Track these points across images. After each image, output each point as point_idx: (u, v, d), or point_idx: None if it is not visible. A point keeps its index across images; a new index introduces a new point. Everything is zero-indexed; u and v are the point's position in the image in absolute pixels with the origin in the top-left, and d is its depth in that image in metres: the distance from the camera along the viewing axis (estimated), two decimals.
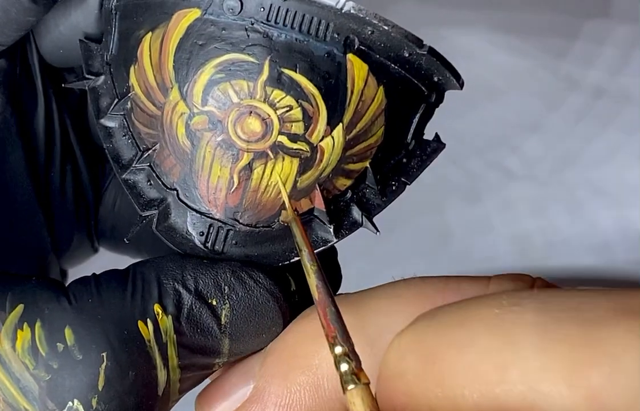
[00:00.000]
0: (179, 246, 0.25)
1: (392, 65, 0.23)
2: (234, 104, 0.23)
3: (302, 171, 0.23)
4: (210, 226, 0.25)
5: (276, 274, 0.25)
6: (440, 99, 0.25)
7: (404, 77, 0.23)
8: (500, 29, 0.43)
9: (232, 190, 0.24)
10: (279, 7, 0.22)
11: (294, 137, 0.23)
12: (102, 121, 0.25)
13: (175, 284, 0.24)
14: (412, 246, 0.43)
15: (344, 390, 0.18)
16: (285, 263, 0.25)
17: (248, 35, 0.22)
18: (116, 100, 0.25)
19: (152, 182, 0.25)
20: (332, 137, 0.23)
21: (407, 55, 0.23)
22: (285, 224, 0.24)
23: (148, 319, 0.23)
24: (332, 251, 0.27)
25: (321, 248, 0.25)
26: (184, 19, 0.23)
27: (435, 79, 0.24)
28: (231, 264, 0.24)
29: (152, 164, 0.25)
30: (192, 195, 0.24)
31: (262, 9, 0.22)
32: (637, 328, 0.15)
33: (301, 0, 0.22)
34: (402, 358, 0.18)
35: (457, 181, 0.44)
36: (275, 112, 0.22)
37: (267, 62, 0.22)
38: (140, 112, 0.24)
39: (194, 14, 0.23)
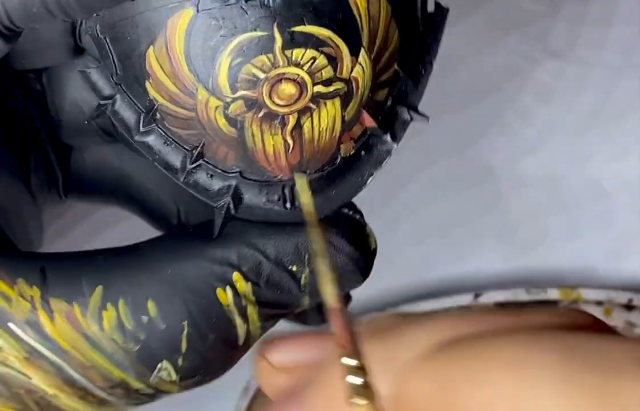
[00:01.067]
0: (265, 219, 0.25)
1: None
2: (263, 80, 0.23)
3: (345, 105, 0.24)
4: (283, 188, 0.25)
5: (357, 236, 0.26)
6: None
7: None
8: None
9: (290, 151, 0.24)
10: None
11: (327, 82, 0.23)
12: (138, 138, 0.25)
13: (256, 253, 0.25)
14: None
15: (350, 402, 0.18)
16: (363, 187, 0.26)
17: (247, 13, 0.22)
18: (142, 115, 0.25)
19: (212, 174, 0.25)
20: (360, 64, 0.24)
21: None
22: (348, 155, 0.25)
23: (227, 286, 0.24)
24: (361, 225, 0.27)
25: (386, 160, 0.26)
26: (179, 23, 0.23)
27: None
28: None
29: (205, 160, 0.25)
30: (255, 170, 0.25)
31: None
32: None
33: None
34: (418, 383, 0.18)
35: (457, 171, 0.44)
36: (303, 69, 0.23)
37: (275, 29, 0.22)
38: (173, 119, 0.25)
39: (187, 14, 0.23)
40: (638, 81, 0.43)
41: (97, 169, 0.31)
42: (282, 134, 0.24)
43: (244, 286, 0.25)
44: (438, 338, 0.18)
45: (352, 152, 0.25)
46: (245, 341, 0.25)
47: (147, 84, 0.24)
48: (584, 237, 0.44)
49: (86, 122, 0.27)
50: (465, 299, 0.42)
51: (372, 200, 0.26)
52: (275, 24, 0.22)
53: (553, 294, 0.42)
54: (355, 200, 0.26)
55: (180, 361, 0.25)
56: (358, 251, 0.26)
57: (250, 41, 0.23)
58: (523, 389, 0.16)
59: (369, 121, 0.25)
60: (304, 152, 0.24)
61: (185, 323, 0.24)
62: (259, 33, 0.23)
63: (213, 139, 0.24)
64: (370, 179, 0.26)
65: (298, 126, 0.24)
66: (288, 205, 0.25)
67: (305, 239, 0.25)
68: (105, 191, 0.31)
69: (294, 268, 0.25)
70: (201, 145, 0.25)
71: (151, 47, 0.23)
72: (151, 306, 0.24)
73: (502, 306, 0.42)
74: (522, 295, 0.42)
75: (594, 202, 0.44)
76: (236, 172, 0.25)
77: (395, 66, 0.25)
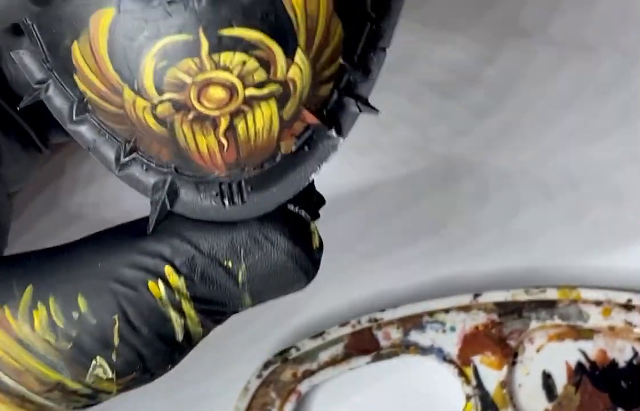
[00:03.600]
0: (203, 216, 0.25)
1: None
2: (189, 84, 0.22)
3: (282, 105, 0.23)
4: (220, 185, 0.25)
5: (298, 232, 0.25)
6: None
7: None
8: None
9: (225, 150, 0.23)
10: None
11: (260, 85, 0.22)
12: (71, 127, 0.25)
13: (188, 247, 0.24)
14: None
15: None
16: (306, 182, 0.25)
17: (171, 15, 0.21)
18: (75, 103, 0.24)
19: (147, 167, 0.25)
20: (297, 64, 0.23)
21: None
22: (288, 152, 0.24)
23: (159, 280, 0.24)
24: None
25: (331, 155, 0.25)
26: (102, 21, 0.22)
27: None
28: (249, 226, 0.25)
29: (139, 153, 0.25)
30: (190, 166, 0.24)
31: None
32: None
33: None
34: None
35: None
36: (232, 73, 0.22)
37: (201, 33, 0.21)
38: (104, 112, 0.24)
39: (109, 13, 0.22)
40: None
41: None
42: (215, 134, 0.23)
43: (176, 280, 0.24)
44: None
45: (293, 149, 0.25)
46: (185, 337, 0.25)
47: (76, 77, 0.24)
48: (584, 237, 0.44)
49: (18, 108, 0.26)
50: (465, 299, 0.42)
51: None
52: (200, 28, 0.21)
53: (552, 294, 0.42)
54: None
55: (114, 357, 0.24)
56: (298, 247, 0.25)
57: (174, 45, 0.22)
58: None
59: (310, 118, 0.24)
60: (240, 151, 0.24)
61: (116, 316, 0.24)
62: (184, 36, 0.22)
63: (145, 135, 0.24)
64: (314, 174, 0.25)
65: (231, 127, 0.23)
66: (226, 201, 0.25)
67: (241, 233, 0.24)
68: None
69: (229, 263, 0.24)
70: (133, 140, 0.24)
71: (75, 42, 0.23)
72: (81, 301, 0.24)
73: (501, 306, 0.42)
74: (521, 295, 0.42)
75: (594, 202, 0.44)
76: (171, 167, 0.24)
77: (340, 60, 0.24)
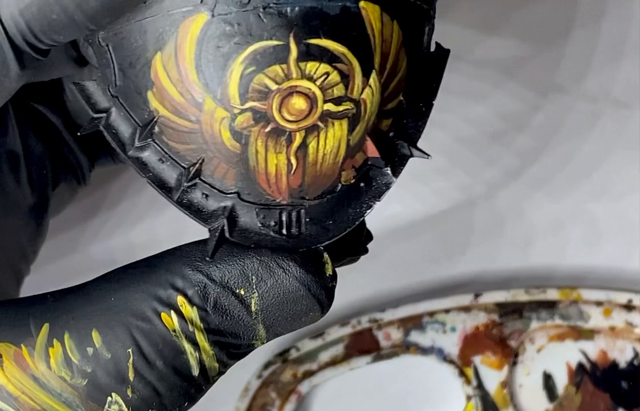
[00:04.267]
0: (258, 244, 0.25)
1: None
2: (274, 91, 0.22)
3: (352, 128, 0.23)
4: (280, 213, 0.24)
5: (310, 259, 0.25)
6: (434, 11, 0.25)
7: (410, 2, 0.24)
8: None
9: (292, 172, 0.24)
10: None
11: (338, 101, 0.23)
12: (132, 153, 0.25)
13: (200, 276, 0.24)
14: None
15: None
16: (360, 219, 0.25)
17: (263, 20, 0.22)
18: (139, 129, 0.24)
19: (207, 194, 0.24)
20: (370, 86, 0.23)
21: None
22: (348, 183, 0.24)
23: (172, 311, 0.24)
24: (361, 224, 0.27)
25: (385, 193, 0.25)
26: (192, 28, 0.22)
27: None
28: (260, 254, 0.24)
29: (201, 178, 0.24)
30: (254, 191, 0.24)
31: None
32: None
33: None
34: None
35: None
36: (315, 84, 0.22)
37: (292, 39, 0.22)
38: (173, 132, 0.24)
39: (201, 19, 0.22)
40: None
41: None
42: (286, 152, 0.23)
43: (189, 310, 0.24)
44: None
45: (352, 181, 0.25)
46: (201, 372, 0.24)
47: (149, 94, 0.23)
48: (584, 237, 0.44)
49: (78, 134, 0.26)
50: (466, 299, 0.42)
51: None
52: (291, 34, 0.22)
53: (553, 294, 0.42)
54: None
55: (129, 393, 0.24)
56: (310, 274, 0.25)
57: (265, 50, 0.22)
58: None
59: (371, 150, 0.24)
60: (305, 175, 0.24)
61: (130, 350, 0.23)
62: (275, 42, 0.22)
63: (214, 154, 0.24)
64: (368, 211, 0.25)
65: (304, 145, 0.23)
66: (284, 231, 0.25)
67: (253, 260, 0.24)
68: None
69: (242, 291, 0.24)
70: (200, 161, 0.24)
71: (159, 53, 0.23)
72: (95, 336, 0.23)
73: (502, 306, 0.42)
74: (521, 295, 0.42)
75: (594, 202, 0.44)
76: (234, 193, 0.24)
77: (401, 97, 0.25)
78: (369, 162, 0.25)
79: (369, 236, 0.28)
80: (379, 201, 0.25)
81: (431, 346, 0.42)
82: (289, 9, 0.22)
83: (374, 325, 0.42)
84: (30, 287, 0.28)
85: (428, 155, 0.25)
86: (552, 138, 0.43)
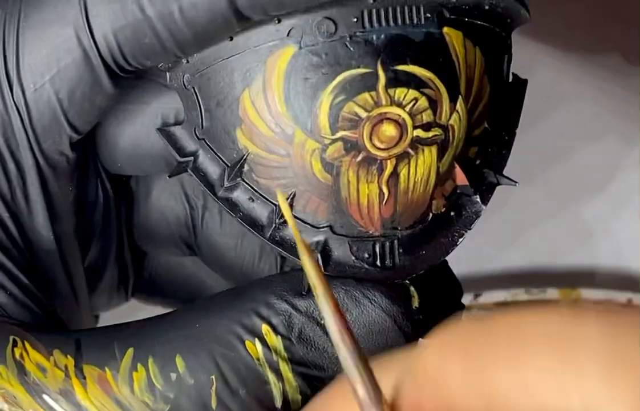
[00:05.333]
0: (353, 277, 0.24)
1: (479, 22, 0.23)
2: (364, 119, 0.22)
3: (441, 155, 0.23)
4: (373, 245, 0.24)
5: (396, 291, 0.24)
6: (511, 41, 0.25)
7: (490, 29, 0.24)
8: None
9: (385, 202, 0.23)
10: (371, 10, 0.22)
11: (427, 127, 0.23)
12: (222, 194, 0.24)
13: (285, 305, 0.24)
14: None
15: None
16: (453, 248, 0.25)
17: (350, 49, 0.22)
18: (227, 169, 0.24)
19: (301, 230, 0.24)
20: (457, 112, 0.23)
21: (487, 7, 0.23)
22: (439, 212, 0.24)
23: (256, 339, 0.23)
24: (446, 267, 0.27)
25: (475, 222, 0.25)
26: (279, 61, 0.22)
27: (508, 20, 0.24)
28: (346, 284, 0.24)
29: (294, 214, 0.24)
30: (346, 224, 0.24)
31: (355, 20, 0.22)
32: None
33: None
34: (443, 363, 0.16)
35: None
36: (404, 109, 0.22)
37: (379, 67, 0.22)
38: (263, 168, 0.24)
39: (288, 52, 0.22)
40: None
41: (170, 271, 0.30)
42: (378, 182, 0.23)
43: (274, 340, 0.23)
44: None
45: (442, 210, 0.24)
46: (283, 405, 0.24)
47: (238, 132, 0.23)
48: (584, 237, 0.44)
49: (168, 176, 0.25)
50: (465, 299, 0.42)
51: None
52: (379, 61, 0.22)
53: (553, 294, 0.42)
54: None
55: None
56: (396, 305, 0.24)
57: (353, 78, 0.22)
58: (566, 368, 0.14)
59: (460, 178, 0.24)
60: (397, 204, 0.24)
61: (213, 377, 0.23)
62: (363, 70, 0.22)
63: (305, 188, 0.23)
64: (460, 240, 0.25)
65: (395, 173, 0.23)
66: (378, 263, 0.24)
67: (338, 291, 0.24)
68: (174, 293, 0.31)
69: None
70: (291, 196, 0.24)
71: (247, 90, 0.23)
72: (179, 361, 0.23)
73: (502, 306, 0.42)
74: (521, 295, 0.42)
75: (594, 203, 0.44)
76: (326, 227, 0.24)
77: (486, 124, 0.24)
78: (458, 191, 0.25)
79: (459, 289, 0.28)
80: (470, 229, 0.25)
81: None
82: (375, 37, 0.22)
83: None
84: None
85: (515, 182, 0.25)
86: (551, 138, 0.44)
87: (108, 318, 0.29)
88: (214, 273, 0.29)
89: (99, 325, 0.30)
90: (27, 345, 0.24)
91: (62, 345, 0.24)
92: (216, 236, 0.29)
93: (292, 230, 0.23)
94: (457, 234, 0.25)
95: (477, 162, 0.25)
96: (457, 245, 0.25)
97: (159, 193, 0.28)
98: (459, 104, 0.23)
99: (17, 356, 0.24)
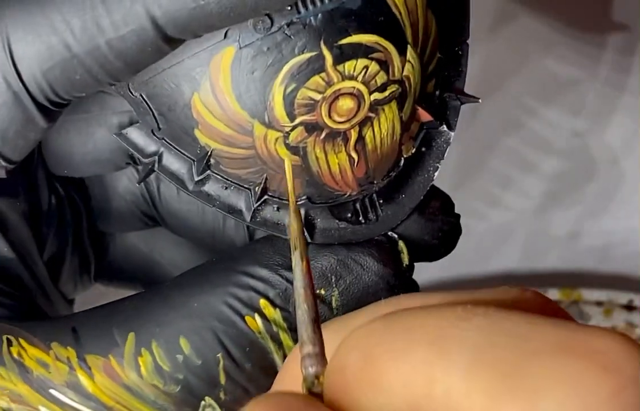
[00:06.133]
0: (341, 240, 0.25)
1: None
2: (320, 101, 0.22)
3: (401, 106, 0.24)
4: (354, 204, 0.25)
5: (386, 252, 0.25)
6: None
7: None
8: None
9: (356, 165, 0.24)
10: None
11: (382, 88, 0.23)
12: (193, 188, 0.25)
13: (280, 278, 0.24)
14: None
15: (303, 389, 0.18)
16: (430, 183, 0.25)
17: (291, 37, 0.22)
18: (195, 163, 0.24)
19: (279, 207, 0.25)
20: (409, 61, 0.23)
21: None
22: (410, 154, 0.25)
23: (256, 314, 0.24)
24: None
25: (447, 150, 0.25)
26: (222, 63, 0.22)
27: None
28: (337, 253, 0.25)
29: (269, 194, 0.24)
30: (323, 193, 0.24)
31: (289, 8, 0.22)
32: (566, 368, 0.14)
33: None
34: (346, 353, 0.17)
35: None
36: (357, 80, 0.22)
37: (323, 47, 0.22)
38: (230, 160, 0.24)
39: (229, 52, 0.22)
40: None
41: (126, 255, 0.31)
42: (346, 150, 0.23)
43: (272, 312, 0.24)
44: (385, 310, 0.18)
45: (413, 151, 0.25)
46: None
47: (197, 132, 0.23)
48: (585, 237, 0.44)
49: (137, 184, 0.26)
50: None
51: None
52: (322, 42, 0.22)
53: (553, 294, 0.42)
54: None
55: (222, 395, 0.24)
56: (388, 268, 0.25)
57: (300, 65, 0.22)
58: (438, 364, 0.15)
59: (424, 116, 0.24)
60: (369, 162, 0.24)
61: (219, 355, 0.24)
62: (308, 54, 0.22)
63: (276, 171, 0.24)
64: (435, 173, 0.25)
65: (360, 138, 0.23)
66: (362, 219, 0.25)
67: (330, 260, 0.25)
68: (132, 276, 0.31)
69: (322, 291, 0.24)
70: (264, 180, 0.24)
71: (195, 93, 0.23)
72: (184, 343, 0.24)
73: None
74: None
75: (594, 203, 0.44)
76: (304, 199, 0.24)
77: (438, 54, 0.24)
78: (425, 127, 0.25)
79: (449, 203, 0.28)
80: (443, 159, 0.25)
81: None
82: (312, 19, 0.22)
83: None
84: None
85: (478, 99, 0.25)
86: (551, 144, 0.44)
87: (80, 303, 0.29)
88: (170, 252, 0.30)
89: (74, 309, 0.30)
90: (22, 341, 0.24)
91: (59, 336, 0.24)
92: (176, 205, 0.29)
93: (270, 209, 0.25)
94: (431, 168, 0.25)
95: (437, 92, 0.25)
96: (433, 180, 0.25)
97: (111, 176, 0.29)
98: (410, 54, 0.23)
99: (15, 354, 0.24)
